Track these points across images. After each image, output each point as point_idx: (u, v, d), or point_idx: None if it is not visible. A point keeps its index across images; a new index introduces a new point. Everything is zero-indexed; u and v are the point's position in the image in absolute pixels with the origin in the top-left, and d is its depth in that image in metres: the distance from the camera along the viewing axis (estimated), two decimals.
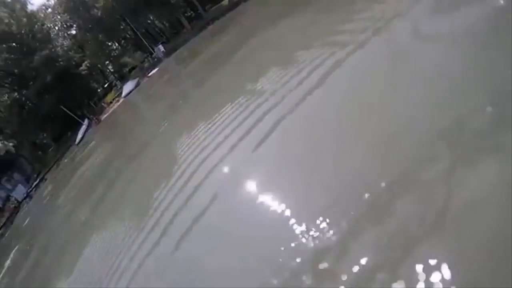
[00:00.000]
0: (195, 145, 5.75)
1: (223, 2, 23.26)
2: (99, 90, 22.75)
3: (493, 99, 2.25)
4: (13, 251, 10.36)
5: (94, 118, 17.26)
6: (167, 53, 20.22)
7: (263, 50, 9.54)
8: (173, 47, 20.66)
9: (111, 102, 18.37)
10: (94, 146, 14.66)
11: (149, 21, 24.86)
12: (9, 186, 17.12)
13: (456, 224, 1.74)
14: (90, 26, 22.38)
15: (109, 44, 25.67)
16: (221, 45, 14.52)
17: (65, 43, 24.97)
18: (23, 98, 20.13)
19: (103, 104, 18.99)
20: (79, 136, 16.87)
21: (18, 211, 15.09)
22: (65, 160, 16.10)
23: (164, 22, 25.45)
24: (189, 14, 25.61)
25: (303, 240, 2.26)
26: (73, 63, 23.16)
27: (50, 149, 19.17)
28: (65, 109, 17.45)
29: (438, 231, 1.78)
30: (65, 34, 25.63)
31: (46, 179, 15.52)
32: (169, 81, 15.41)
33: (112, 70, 24.18)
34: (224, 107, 6.96)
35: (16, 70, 20.86)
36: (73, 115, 17.77)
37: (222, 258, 2.68)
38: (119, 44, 25.31)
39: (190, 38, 20.35)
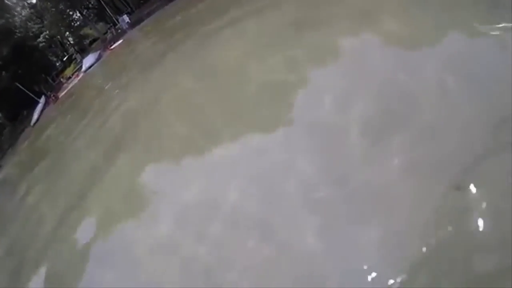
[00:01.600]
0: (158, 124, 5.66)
1: None
2: (57, 64, 20.81)
3: None
4: None
5: (52, 95, 15.73)
6: (132, 24, 18.59)
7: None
8: (139, 18, 18.99)
9: (70, 77, 16.78)
10: (49, 130, 13.34)
11: None
12: None
13: None
14: None
15: (70, 13, 23.42)
16: (191, 15, 13.44)
17: (23, 12, 22.48)
18: None
19: (61, 79, 17.34)
20: (35, 116, 15.38)
21: None
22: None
23: None
24: None
25: None
26: (31, 34, 20.97)
27: (5, 130, 17.52)
28: (20, 85, 15.76)
29: None
30: (25, 2, 23.05)
31: (1, 166, 14.15)
32: (132, 54, 14.10)
33: (72, 42, 22.12)
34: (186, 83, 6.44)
35: None
36: (28, 93, 16.12)
37: None
38: (80, 13, 23.10)
39: (159, 8, 18.79)
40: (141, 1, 22.15)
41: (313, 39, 4.92)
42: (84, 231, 4.20)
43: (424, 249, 1.78)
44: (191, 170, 3.92)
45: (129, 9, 20.79)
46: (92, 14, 22.49)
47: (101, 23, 21.26)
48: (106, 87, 13.17)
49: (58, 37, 22.46)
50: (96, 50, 17.37)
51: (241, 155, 3.44)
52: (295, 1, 7.39)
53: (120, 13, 20.03)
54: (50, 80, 17.95)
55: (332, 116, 3.14)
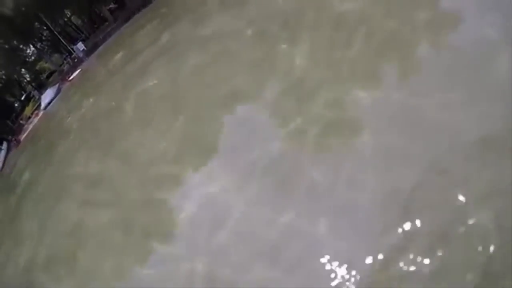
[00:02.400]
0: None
1: None
2: (16, 105, 19.69)
3: None
4: None
5: (13, 140, 14.76)
6: (88, 52, 17.77)
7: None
8: (94, 44, 18.19)
9: (29, 117, 15.83)
10: (14, 177, 12.42)
11: (65, 19, 21.72)
12: None
13: None
14: (1, 29, 18.97)
15: (24, 48, 22.24)
16: (146, 37, 12.90)
17: None
18: None
19: (21, 121, 16.36)
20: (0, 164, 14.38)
21: None
22: None
23: (83, 17, 22.37)
24: (112, 5, 22.74)
25: None
26: None
27: None
28: None
29: None
30: None
31: None
32: (91, 83, 13.38)
33: (28, 79, 20.96)
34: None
35: None
36: None
37: None
38: (34, 47, 22.00)
39: (114, 31, 18.06)
40: (95, 26, 21.30)
41: None
42: None
43: None
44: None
45: (83, 36, 19.90)
46: (46, 47, 21.44)
47: (56, 55, 20.28)
48: (68, 122, 12.41)
49: (15, 75, 21.29)
50: (54, 84, 16.48)
51: None
52: None
53: (74, 41, 19.13)
54: (10, 123, 16.92)
55: None
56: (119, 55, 13.62)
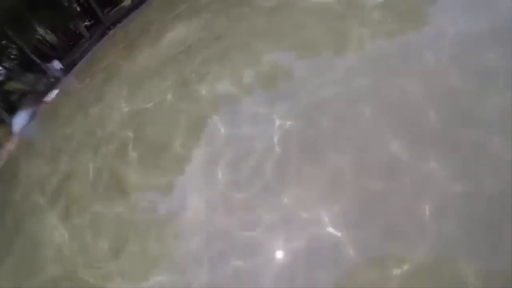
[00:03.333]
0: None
1: (124, 3, 20.02)
2: None
3: None
4: None
5: None
6: (66, 70, 16.58)
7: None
8: (71, 61, 17.05)
9: (1, 143, 14.32)
10: None
11: (38, 36, 20.33)
12: None
13: None
14: None
15: None
16: (121, 53, 12.23)
17: None
18: None
19: None
20: None
21: None
22: None
23: (58, 35, 21.07)
24: (88, 21, 21.63)
25: None
26: None
27: None
28: None
29: None
30: None
31: None
32: (72, 105, 12.27)
33: None
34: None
35: None
36: None
37: None
38: (2, 67, 20.33)
39: (91, 48, 17.06)
40: (71, 43, 20.09)
41: None
42: None
43: None
44: None
45: (59, 54, 18.65)
46: (16, 65, 19.87)
47: (29, 74, 18.80)
48: (47, 149, 11.24)
49: None
50: (27, 106, 15.09)
51: None
52: None
53: (49, 60, 17.82)
54: None
55: None
56: (98, 72, 12.71)
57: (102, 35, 17.02)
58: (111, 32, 16.65)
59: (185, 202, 4.41)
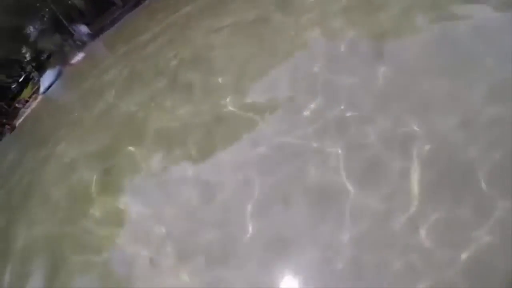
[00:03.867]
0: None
1: None
2: (13, 87, 18.63)
3: None
4: None
5: (7, 124, 13.75)
6: (93, 35, 16.74)
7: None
8: (100, 28, 17.14)
9: (27, 101, 14.82)
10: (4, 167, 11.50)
11: (69, 1, 20.61)
12: None
13: None
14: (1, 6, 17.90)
15: (24, 27, 21.07)
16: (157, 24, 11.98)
17: None
18: None
19: (17, 104, 15.34)
20: None
21: None
22: None
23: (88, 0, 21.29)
24: None
25: None
26: None
27: None
28: None
29: None
30: None
31: None
32: (96, 69, 12.41)
33: (28, 59, 19.86)
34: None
35: None
36: None
37: None
38: (34, 27, 20.85)
39: (122, 16, 17.02)
40: (101, 10, 20.21)
41: None
42: None
43: None
44: None
45: (88, 19, 18.85)
46: (48, 27, 20.28)
47: (58, 36, 19.19)
48: (69, 108, 11.50)
49: (13, 55, 20.15)
50: (55, 67, 15.44)
51: None
52: None
53: (78, 23, 18.05)
54: (4, 106, 15.91)
55: None
56: (127, 41, 12.70)
57: (137, 4, 16.83)
58: (147, 1, 16.40)
59: None
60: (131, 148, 5.83)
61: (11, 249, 5.78)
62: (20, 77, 18.29)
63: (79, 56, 15.20)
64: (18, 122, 13.76)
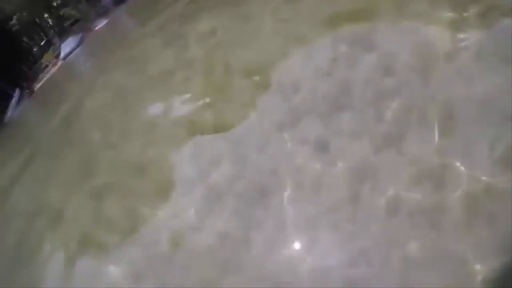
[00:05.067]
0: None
1: None
2: (34, 50, 18.39)
3: None
4: None
5: (26, 88, 13.52)
6: (118, 2, 16.15)
7: None
8: None
9: (46, 66, 14.51)
10: (22, 128, 11.28)
11: None
12: None
13: None
14: None
15: None
16: None
17: None
18: None
19: (37, 68, 15.09)
20: (8, 113, 13.22)
21: None
22: None
23: None
24: None
25: None
26: (3, 16, 18.41)
27: None
28: None
29: None
30: None
31: None
32: (118, 37, 11.85)
33: (51, 24, 19.56)
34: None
35: None
36: None
37: None
38: None
39: None
40: None
41: None
42: None
43: None
44: None
45: None
46: None
47: (83, 2, 18.74)
48: (88, 75, 11.04)
49: (36, 19, 19.89)
50: (77, 33, 15.02)
51: None
52: None
53: None
54: (25, 69, 15.70)
55: None
56: (151, 8, 12.04)
57: None
58: None
59: None
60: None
61: None
62: (42, 42, 18.06)
63: (102, 23, 14.70)
64: (37, 86, 13.52)
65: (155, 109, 5.28)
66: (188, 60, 6.48)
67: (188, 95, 5.17)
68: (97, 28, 14.37)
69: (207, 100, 4.53)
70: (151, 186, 3.69)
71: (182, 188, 3.30)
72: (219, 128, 3.76)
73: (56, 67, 13.65)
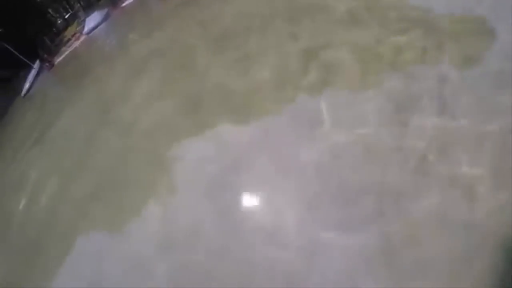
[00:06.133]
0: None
1: None
2: (59, 22, 17.89)
3: None
4: None
5: (47, 61, 13.03)
6: None
7: None
8: None
9: (69, 39, 13.99)
10: (39, 102, 10.86)
11: None
12: None
13: None
14: None
15: None
16: None
17: None
18: None
19: (60, 41, 14.61)
20: (27, 85, 12.76)
21: None
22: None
23: None
24: None
25: None
26: None
27: None
28: (9, 46, 13.09)
29: None
30: None
31: None
32: (147, 15, 11.21)
33: None
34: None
35: None
36: (20, 56, 13.47)
37: None
38: None
39: None
40: None
41: None
42: None
43: None
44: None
45: None
46: None
47: None
48: (111, 53, 10.47)
49: None
50: (103, 8, 14.43)
51: None
52: None
53: None
54: (47, 41, 15.27)
55: None
56: None
57: None
58: None
59: None
60: None
61: None
62: (67, 14, 17.59)
63: (130, 0, 14.07)
64: (58, 60, 13.03)
65: None
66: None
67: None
68: (124, 4, 13.76)
69: None
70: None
71: None
72: None
73: (79, 41, 13.10)
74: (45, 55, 13.83)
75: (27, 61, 13.61)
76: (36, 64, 13.63)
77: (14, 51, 13.20)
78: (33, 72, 13.26)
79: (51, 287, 3.67)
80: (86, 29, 13.62)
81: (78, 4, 18.82)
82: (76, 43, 13.17)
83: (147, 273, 2.96)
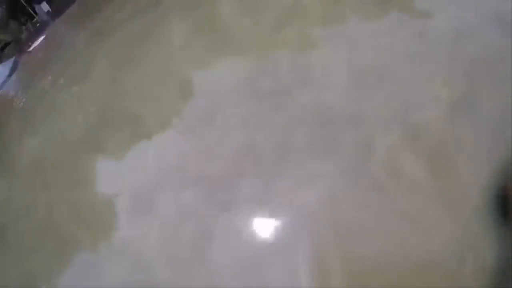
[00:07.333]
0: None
1: None
2: None
3: None
4: None
5: None
6: (54, 14, 13.96)
7: None
8: (62, 3, 14.36)
9: None
10: None
11: None
12: None
13: None
14: None
15: None
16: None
17: None
18: None
19: None
20: None
21: None
22: None
23: None
24: None
25: None
26: None
27: None
28: None
29: None
30: None
31: None
32: (56, 53, 9.84)
33: None
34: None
35: None
36: None
37: None
38: None
39: None
40: None
41: None
42: None
43: None
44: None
45: None
46: (2, 14, 17.31)
47: (14, 22, 16.28)
48: (23, 106, 8.99)
49: None
50: (9, 57, 12.73)
51: None
52: None
53: (37, 1, 15.27)
54: None
55: None
56: (92, 19, 10.11)
57: None
58: None
59: None
60: None
61: None
62: None
63: (38, 41, 12.53)
64: None
65: None
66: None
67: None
68: (32, 47, 12.21)
69: None
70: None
71: None
72: None
73: None
74: None
75: None
76: None
77: None
78: None
79: None
80: None
81: None
82: None
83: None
